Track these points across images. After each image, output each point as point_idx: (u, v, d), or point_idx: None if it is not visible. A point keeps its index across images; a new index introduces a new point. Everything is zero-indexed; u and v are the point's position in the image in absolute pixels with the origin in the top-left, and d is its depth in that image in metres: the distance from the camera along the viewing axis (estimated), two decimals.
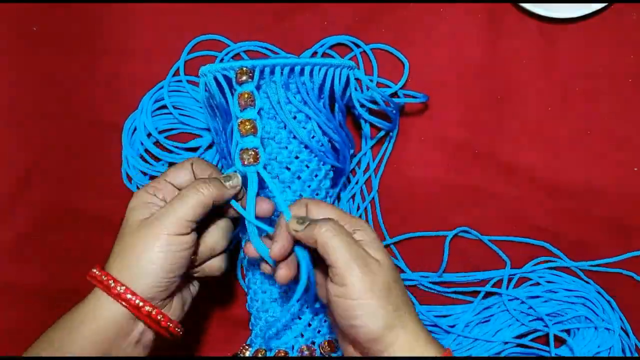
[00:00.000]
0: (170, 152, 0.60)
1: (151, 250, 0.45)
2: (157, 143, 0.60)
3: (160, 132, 0.60)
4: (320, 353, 0.52)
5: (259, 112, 0.49)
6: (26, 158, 0.62)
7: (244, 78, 0.49)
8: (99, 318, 0.45)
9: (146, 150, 0.60)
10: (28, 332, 0.49)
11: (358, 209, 0.60)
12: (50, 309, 0.48)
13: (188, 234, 0.46)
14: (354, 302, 0.42)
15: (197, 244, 0.48)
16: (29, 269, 0.62)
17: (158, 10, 0.60)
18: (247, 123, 0.49)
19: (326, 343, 0.52)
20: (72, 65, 0.61)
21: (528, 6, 0.56)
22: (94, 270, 0.46)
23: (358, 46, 0.59)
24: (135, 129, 0.60)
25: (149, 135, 0.60)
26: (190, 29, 0.60)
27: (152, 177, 0.60)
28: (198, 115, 0.60)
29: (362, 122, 0.58)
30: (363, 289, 0.42)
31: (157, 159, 0.60)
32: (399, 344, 0.42)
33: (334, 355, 0.52)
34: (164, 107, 0.60)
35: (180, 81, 0.60)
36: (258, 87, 0.51)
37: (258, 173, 0.49)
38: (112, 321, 0.45)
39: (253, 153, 0.49)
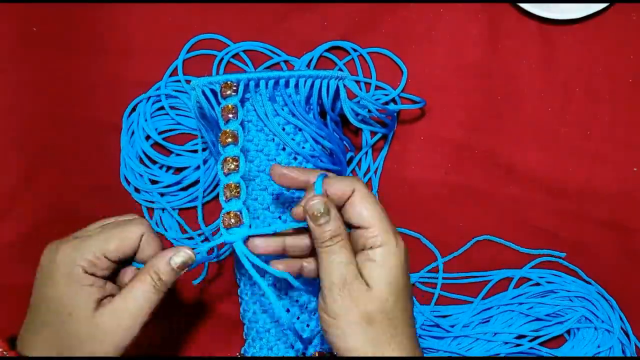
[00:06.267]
0: (170, 153, 0.60)
1: None
2: (157, 144, 0.60)
3: (160, 133, 0.60)
4: None
5: (241, 124, 0.49)
6: (26, 158, 0.62)
7: (229, 92, 0.49)
8: None
9: (145, 152, 0.60)
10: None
11: None
12: None
13: None
14: (329, 319, 0.40)
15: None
16: (29, 269, 0.62)
17: (157, 10, 0.60)
18: (228, 134, 0.48)
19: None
20: (72, 66, 0.61)
21: (527, 7, 0.56)
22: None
23: (356, 50, 0.59)
24: (134, 130, 0.60)
25: (148, 137, 0.60)
26: (190, 29, 0.60)
27: (151, 180, 0.60)
28: None
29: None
30: (337, 312, 0.40)
31: (155, 162, 0.60)
32: None
33: None
34: (164, 107, 0.60)
35: (179, 81, 0.60)
36: (244, 100, 0.50)
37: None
38: None
39: (234, 162, 0.48)
